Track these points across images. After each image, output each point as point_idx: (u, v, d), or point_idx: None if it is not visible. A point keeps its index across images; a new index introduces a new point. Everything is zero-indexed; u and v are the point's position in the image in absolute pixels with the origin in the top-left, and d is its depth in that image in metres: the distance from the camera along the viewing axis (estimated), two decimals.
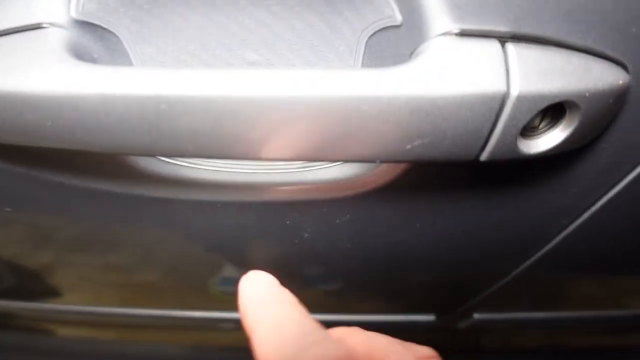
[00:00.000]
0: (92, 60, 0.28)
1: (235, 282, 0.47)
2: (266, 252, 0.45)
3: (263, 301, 0.24)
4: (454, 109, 0.24)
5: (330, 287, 0.53)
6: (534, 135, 0.27)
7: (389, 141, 0.25)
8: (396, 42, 0.26)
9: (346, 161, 0.31)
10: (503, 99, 0.24)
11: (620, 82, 0.26)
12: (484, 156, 0.27)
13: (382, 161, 0.27)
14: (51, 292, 0.60)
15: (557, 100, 0.24)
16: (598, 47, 0.25)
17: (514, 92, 0.24)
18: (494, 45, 0.24)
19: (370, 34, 0.27)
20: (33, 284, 0.58)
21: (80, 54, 0.26)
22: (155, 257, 0.50)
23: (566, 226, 0.39)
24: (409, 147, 0.25)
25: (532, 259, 0.43)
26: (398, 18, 0.25)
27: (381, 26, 0.26)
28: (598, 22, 0.24)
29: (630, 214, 0.38)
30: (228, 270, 0.51)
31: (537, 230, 0.39)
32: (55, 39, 0.26)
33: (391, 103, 0.23)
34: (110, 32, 0.28)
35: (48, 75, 0.24)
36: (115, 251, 0.49)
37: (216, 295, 0.57)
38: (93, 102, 0.24)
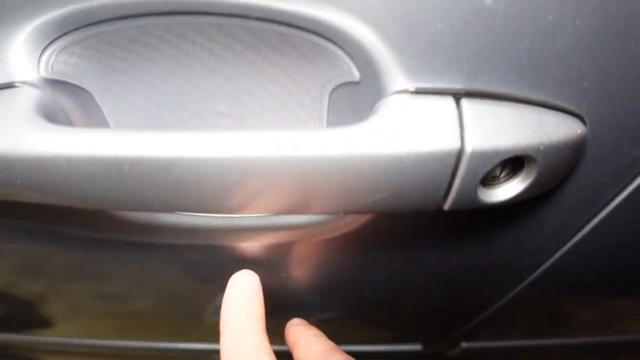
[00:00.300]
0: (65, 116, 0.29)
1: None
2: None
3: (234, 309, 0.28)
4: (411, 166, 0.24)
5: (313, 318, 0.53)
6: (495, 184, 0.27)
7: (351, 196, 0.25)
8: (356, 97, 0.27)
9: (311, 214, 0.32)
10: (458, 155, 0.24)
11: (577, 133, 0.26)
12: (446, 206, 0.27)
13: (345, 214, 0.27)
14: (42, 324, 0.60)
15: (512, 155, 0.25)
16: (552, 100, 0.26)
17: (469, 148, 0.24)
18: (449, 102, 0.25)
19: (332, 88, 0.28)
20: (23, 316, 0.58)
21: (51, 112, 0.27)
22: (147, 288, 0.50)
23: (542, 262, 0.39)
24: (369, 200, 0.26)
25: (512, 293, 0.43)
26: (356, 75, 0.26)
27: (341, 82, 0.27)
28: (551, 77, 0.25)
29: (605, 245, 0.38)
30: (221, 300, 0.52)
31: (513, 267, 0.39)
32: (26, 98, 0.26)
33: (351, 162, 0.24)
34: (81, 88, 0.29)
35: (17, 138, 0.25)
36: (106, 281, 0.49)
37: (210, 325, 0.57)
38: (59, 162, 0.24)
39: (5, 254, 0.43)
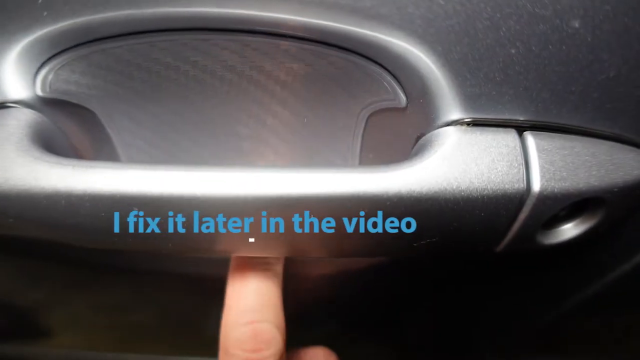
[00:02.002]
0: (64, 139, 0.25)
1: None
2: None
3: (245, 264, 0.27)
4: (468, 210, 0.21)
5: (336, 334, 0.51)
6: (555, 226, 0.24)
7: (396, 242, 0.22)
8: (399, 125, 0.24)
9: (352, 257, 0.28)
10: (522, 198, 0.21)
11: None
12: (500, 248, 0.24)
13: (387, 257, 0.24)
14: (41, 335, 0.58)
15: (581, 197, 0.21)
16: (628, 134, 0.22)
17: (535, 190, 0.21)
18: (511, 135, 0.21)
19: (371, 112, 0.24)
20: (22, 326, 0.56)
21: (48, 136, 0.24)
22: (148, 300, 0.48)
23: (579, 292, 0.36)
24: (415, 245, 0.23)
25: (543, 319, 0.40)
26: (402, 100, 0.22)
27: (383, 107, 0.23)
28: (630, 109, 0.21)
29: None
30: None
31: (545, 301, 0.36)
32: (19, 121, 0.23)
33: (398, 205, 0.20)
34: (83, 107, 0.25)
35: (6, 169, 0.21)
36: (107, 291, 0.47)
37: (210, 338, 0.55)
38: (55, 199, 0.21)
39: (3, 263, 0.40)
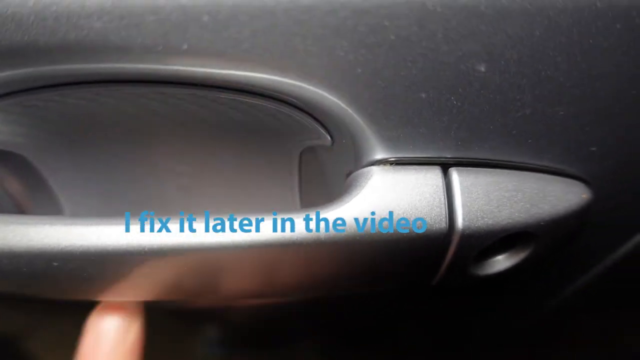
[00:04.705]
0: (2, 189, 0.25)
1: (221, 345, 0.44)
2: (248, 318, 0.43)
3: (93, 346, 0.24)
4: (393, 249, 0.21)
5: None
6: (489, 257, 0.24)
7: (326, 279, 0.22)
8: (330, 160, 0.23)
9: (291, 296, 0.28)
10: (446, 236, 0.21)
11: (582, 199, 0.23)
12: (435, 282, 0.24)
13: (329, 293, 0.24)
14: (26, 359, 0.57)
15: (506, 233, 0.21)
16: (555, 165, 0.22)
17: (458, 228, 0.21)
18: (435, 173, 0.21)
19: (302, 149, 0.24)
20: (6, 352, 0.55)
21: None
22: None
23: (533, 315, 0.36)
24: (352, 282, 0.22)
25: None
26: (328, 140, 0.22)
27: (312, 144, 0.23)
28: (554, 143, 0.21)
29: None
30: (213, 332, 0.49)
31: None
32: None
33: (330, 246, 0.20)
34: (13, 153, 0.25)
35: None
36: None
37: (200, 357, 0.55)
38: None
39: None
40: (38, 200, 0.28)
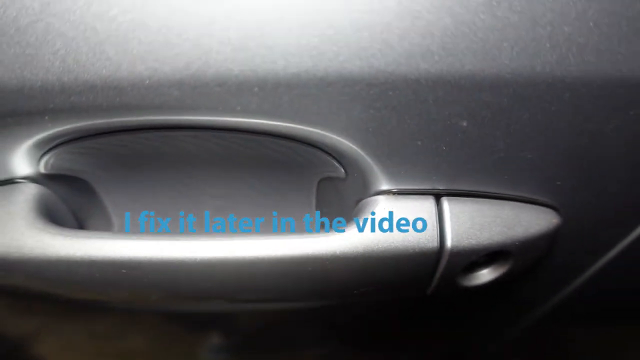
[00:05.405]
0: (64, 206, 0.30)
1: (224, 350, 0.47)
2: (250, 325, 0.47)
3: None
4: (393, 264, 0.26)
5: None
6: (473, 271, 0.29)
7: (338, 289, 0.27)
8: (342, 190, 0.28)
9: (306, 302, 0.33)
10: (438, 253, 0.26)
11: (552, 223, 0.28)
12: (429, 291, 0.29)
13: (336, 301, 0.29)
14: None
15: (488, 251, 0.26)
16: (528, 195, 0.27)
17: (447, 247, 0.26)
18: (429, 202, 0.26)
19: (320, 179, 0.29)
20: (16, 355, 0.58)
21: (50, 205, 0.28)
22: (141, 326, 0.51)
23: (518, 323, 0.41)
24: (356, 292, 0.27)
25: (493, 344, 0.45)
26: (342, 173, 0.27)
27: (328, 175, 0.28)
28: (526, 178, 0.26)
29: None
30: (217, 339, 0.53)
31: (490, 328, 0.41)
32: (25, 195, 0.28)
33: (339, 262, 0.25)
34: (78, 178, 0.30)
35: (16, 239, 0.26)
36: (99, 320, 0.50)
37: None
38: (58, 265, 0.26)
39: None
40: (93, 217, 0.33)
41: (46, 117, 0.24)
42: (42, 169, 0.28)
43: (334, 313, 0.34)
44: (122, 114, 0.21)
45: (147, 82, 0.19)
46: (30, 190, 0.28)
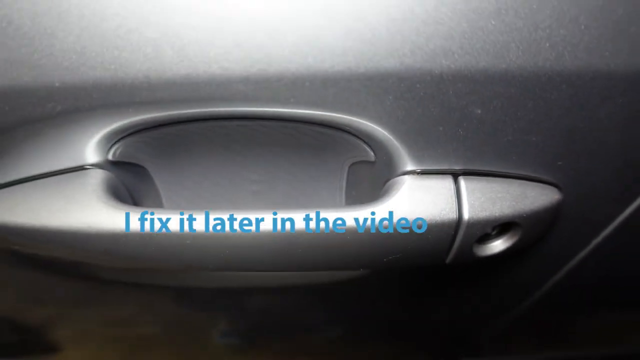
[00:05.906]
0: (126, 190, 0.34)
1: (237, 334, 0.50)
2: (263, 308, 0.50)
3: None
4: (419, 234, 0.30)
5: (319, 337, 0.58)
6: (487, 242, 0.33)
7: (370, 257, 0.31)
8: (371, 173, 0.33)
9: (337, 270, 0.37)
10: (457, 224, 0.30)
11: (555, 199, 0.32)
12: (448, 260, 0.33)
13: (364, 269, 0.33)
14: (50, 349, 0.59)
15: (500, 222, 0.30)
16: (533, 174, 0.31)
17: (465, 219, 0.30)
18: (448, 180, 0.30)
19: (351, 163, 0.33)
20: (31, 342, 0.58)
21: (115, 188, 0.33)
22: (153, 313, 0.52)
23: (533, 292, 0.45)
24: (385, 260, 0.31)
25: (508, 314, 0.49)
26: (372, 156, 0.31)
27: (359, 160, 0.33)
28: (531, 159, 0.30)
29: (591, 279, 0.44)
30: (228, 323, 0.55)
31: (507, 296, 0.45)
32: (95, 179, 0.32)
33: (371, 234, 0.29)
34: (139, 165, 0.34)
35: (90, 216, 0.30)
36: (115, 306, 0.50)
37: (216, 349, 0.59)
38: (129, 238, 0.30)
39: (11, 280, 0.45)
40: (147, 199, 0.38)
41: (130, 110, 0.29)
42: (110, 157, 0.33)
43: (367, 283, 0.38)
44: (196, 106, 0.26)
45: (219, 78, 0.24)
46: (100, 175, 0.32)
